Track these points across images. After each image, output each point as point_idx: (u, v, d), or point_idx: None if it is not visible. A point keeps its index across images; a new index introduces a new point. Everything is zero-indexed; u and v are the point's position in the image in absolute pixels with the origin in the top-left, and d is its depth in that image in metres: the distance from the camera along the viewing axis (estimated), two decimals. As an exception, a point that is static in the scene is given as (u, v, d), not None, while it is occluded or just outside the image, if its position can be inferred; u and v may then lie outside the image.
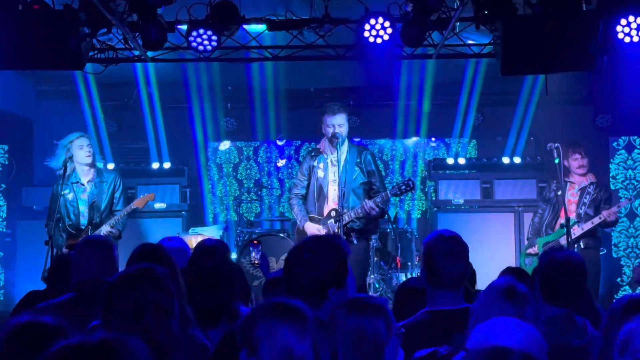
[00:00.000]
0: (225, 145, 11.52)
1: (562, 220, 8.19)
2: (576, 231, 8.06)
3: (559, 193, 8.20)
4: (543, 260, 4.13)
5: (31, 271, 8.75)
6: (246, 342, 2.52)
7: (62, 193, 7.64)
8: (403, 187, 7.17)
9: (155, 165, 10.54)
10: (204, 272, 4.03)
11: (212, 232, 9.47)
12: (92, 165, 7.84)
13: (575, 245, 7.96)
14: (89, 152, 7.77)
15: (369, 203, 7.11)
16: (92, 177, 7.83)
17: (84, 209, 7.73)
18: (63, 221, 7.73)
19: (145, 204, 8.12)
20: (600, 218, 7.99)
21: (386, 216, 8.53)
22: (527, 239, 8.65)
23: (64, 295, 4.27)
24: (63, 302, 4.19)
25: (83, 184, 7.79)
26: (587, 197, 8.16)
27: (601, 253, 8.63)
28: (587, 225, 8.02)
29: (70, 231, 7.72)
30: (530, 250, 8.47)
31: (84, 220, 7.73)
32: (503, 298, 3.17)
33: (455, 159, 10.47)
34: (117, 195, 7.89)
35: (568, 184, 8.28)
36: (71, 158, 7.75)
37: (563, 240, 8.02)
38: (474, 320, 3.13)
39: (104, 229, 7.62)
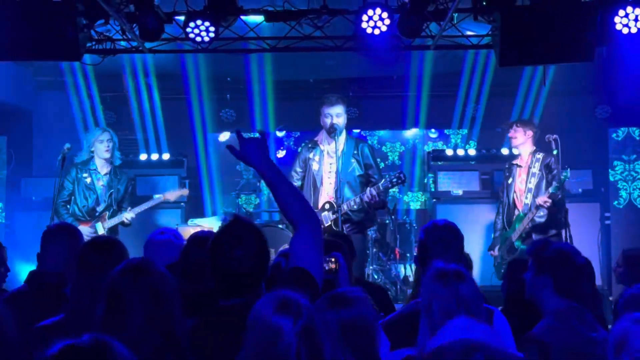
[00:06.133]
0: (225, 136, 11.50)
1: (516, 211, 7.88)
2: (525, 224, 7.73)
3: (510, 182, 7.95)
4: (558, 258, 3.84)
5: (29, 262, 8.72)
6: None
7: (80, 177, 8.02)
8: (395, 179, 7.15)
9: (154, 157, 10.55)
10: (192, 262, 4.03)
11: (211, 223, 9.45)
12: (110, 161, 8.15)
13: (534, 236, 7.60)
14: (108, 147, 8.07)
15: (371, 191, 7.10)
16: (109, 170, 8.15)
17: (102, 195, 8.03)
18: (76, 204, 7.99)
19: (177, 198, 8.61)
20: (535, 209, 7.58)
21: (385, 208, 8.52)
22: (493, 239, 8.27)
23: (16, 288, 4.14)
24: (13, 294, 4.07)
25: (100, 172, 8.10)
26: (532, 180, 7.76)
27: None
28: (530, 216, 7.65)
29: (81, 215, 7.98)
30: (492, 252, 8.16)
31: (100, 206, 8.02)
32: (435, 280, 3.12)
33: (454, 150, 10.46)
34: (127, 196, 8.27)
35: (516, 168, 7.98)
36: (93, 151, 8.12)
37: (513, 237, 7.77)
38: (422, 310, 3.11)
39: (126, 215, 7.99)
